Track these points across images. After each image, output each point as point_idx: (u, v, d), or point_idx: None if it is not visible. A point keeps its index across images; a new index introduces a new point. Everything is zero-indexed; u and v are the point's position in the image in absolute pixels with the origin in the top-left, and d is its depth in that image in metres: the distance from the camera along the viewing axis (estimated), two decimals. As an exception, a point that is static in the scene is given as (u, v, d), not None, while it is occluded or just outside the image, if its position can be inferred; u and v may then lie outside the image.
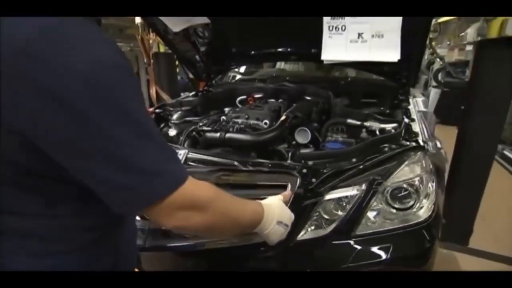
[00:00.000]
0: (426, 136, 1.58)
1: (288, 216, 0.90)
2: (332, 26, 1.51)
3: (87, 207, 0.64)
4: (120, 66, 0.53)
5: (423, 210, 1.23)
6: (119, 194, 0.56)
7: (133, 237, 0.86)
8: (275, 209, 0.86)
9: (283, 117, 1.77)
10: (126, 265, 0.78)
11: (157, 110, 2.18)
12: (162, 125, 2.08)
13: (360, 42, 1.46)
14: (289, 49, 2.17)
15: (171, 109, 2.23)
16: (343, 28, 1.48)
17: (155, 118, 2.11)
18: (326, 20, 1.52)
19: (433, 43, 3.04)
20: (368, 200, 1.19)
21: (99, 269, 0.68)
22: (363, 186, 1.20)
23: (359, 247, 1.16)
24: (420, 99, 2.21)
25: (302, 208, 1.18)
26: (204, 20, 2.12)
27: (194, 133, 1.81)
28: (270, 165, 1.32)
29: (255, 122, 1.82)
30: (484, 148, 2.20)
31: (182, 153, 1.40)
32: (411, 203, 1.22)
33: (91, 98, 0.49)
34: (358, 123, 1.68)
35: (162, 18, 2.09)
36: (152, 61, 3.45)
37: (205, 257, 1.27)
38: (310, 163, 1.32)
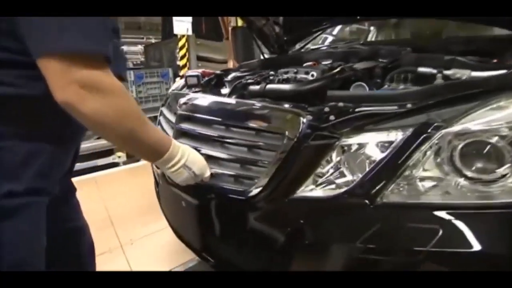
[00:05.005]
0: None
1: (200, 166, 0.82)
2: None
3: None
4: None
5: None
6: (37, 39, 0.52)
7: None
8: (188, 153, 0.79)
9: (336, 70, 1.31)
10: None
11: (218, 72, 1.97)
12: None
13: None
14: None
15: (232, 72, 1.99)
16: None
17: (214, 78, 1.91)
18: None
19: None
20: (412, 151, 0.68)
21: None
22: (408, 131, 0.69)
23: (384, 221, 0.67)
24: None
25: (303, 153, 0.75)
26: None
27: (240, 86, 1.53)
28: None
29: (303, 76, 1.42)
30: None
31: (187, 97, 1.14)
32: (497, 171, 0.65)
33: None
34: (434, 71, 1.10)
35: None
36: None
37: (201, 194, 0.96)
38: (341, 104, 0.86)
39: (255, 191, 0.80)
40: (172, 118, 1.20)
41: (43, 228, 0.66)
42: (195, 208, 1.01)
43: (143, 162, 2.99)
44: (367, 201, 0.68)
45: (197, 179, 0.82)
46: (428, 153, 0.68)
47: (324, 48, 2.17)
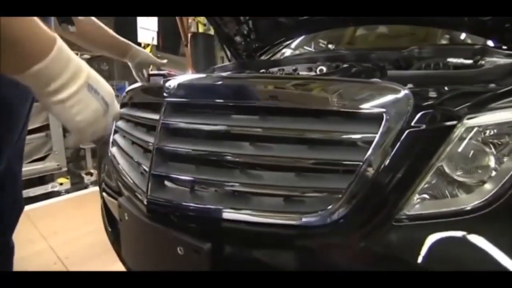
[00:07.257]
0: None
1: (109, 90, 0.42)
2: None
3: None
4: None
5: None
6: None
7: None
8: (86, 65, 0.38)
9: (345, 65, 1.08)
10: None
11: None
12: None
13: None
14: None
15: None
16: None
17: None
18: None
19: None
20: None
21: None
22: None
23: None
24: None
25: (417, 143, 0.47)
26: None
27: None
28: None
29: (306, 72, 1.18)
30: None
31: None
32: None
33: None
34: (468, 62, 0.94)
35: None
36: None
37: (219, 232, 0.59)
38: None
39: (333, 216, 0.48)
40: (150, 115, 0.73)
41: None
42: (209, 258, 0.56)
43: (91, 189, 2.37)
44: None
45: (105, 120, 0.40)
46: None
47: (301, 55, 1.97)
